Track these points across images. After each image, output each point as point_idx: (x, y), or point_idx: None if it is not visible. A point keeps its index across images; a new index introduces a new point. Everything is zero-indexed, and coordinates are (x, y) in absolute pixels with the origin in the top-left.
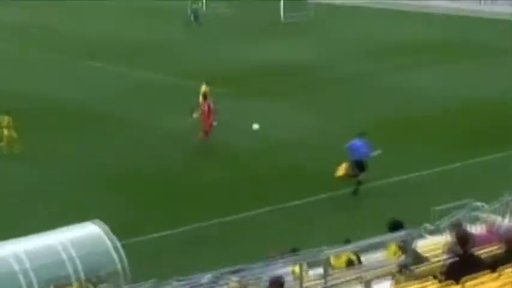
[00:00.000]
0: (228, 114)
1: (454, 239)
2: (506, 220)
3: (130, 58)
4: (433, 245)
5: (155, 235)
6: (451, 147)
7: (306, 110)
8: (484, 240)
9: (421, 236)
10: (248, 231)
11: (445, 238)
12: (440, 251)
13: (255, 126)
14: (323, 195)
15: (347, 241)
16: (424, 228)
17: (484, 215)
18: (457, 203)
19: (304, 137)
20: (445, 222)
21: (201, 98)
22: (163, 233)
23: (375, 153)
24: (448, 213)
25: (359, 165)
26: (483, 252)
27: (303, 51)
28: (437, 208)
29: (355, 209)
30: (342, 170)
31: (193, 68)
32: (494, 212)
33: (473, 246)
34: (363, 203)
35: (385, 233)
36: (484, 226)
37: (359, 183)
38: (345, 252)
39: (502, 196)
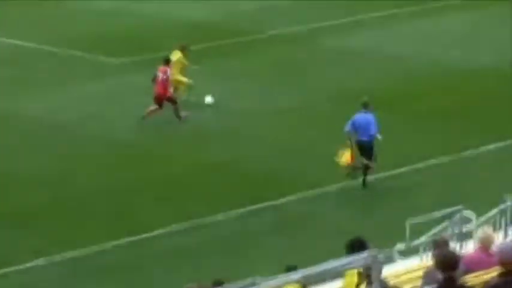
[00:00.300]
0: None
1: (435, 262)
2: (501, 234)
3: None
4: (407, 271)
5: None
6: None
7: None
8: (477, 263)
9: (391, 259)
10: (157, 256)
11: (423, 261)
12: (416, 277)
13: (208, 99)
14: (266, 203)
15: (290, 268)
16: (396, 249)
17: (477, 228)
18: (440, 212)
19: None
20: (425, 239)
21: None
22: (39, 263)
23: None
24: (429, 226)
25: (366, 150)
26: (474, 278)
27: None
28: (413, 221)
29: (300, 226)
30: (345, 157)
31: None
32: (489, 222)
33: (460, 271)
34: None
35: (343, 256)
36: (477, 243)
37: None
38: (288, 285)
39: (502, 201)
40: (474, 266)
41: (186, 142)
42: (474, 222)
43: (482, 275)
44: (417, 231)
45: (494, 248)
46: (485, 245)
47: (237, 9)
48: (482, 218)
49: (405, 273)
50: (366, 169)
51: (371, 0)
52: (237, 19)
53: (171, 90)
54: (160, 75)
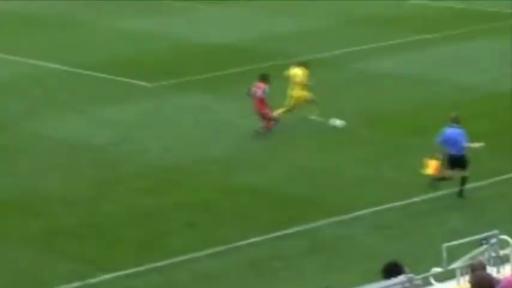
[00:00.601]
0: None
1: (471, 285)
2: None
3: None
4: None
5: None
6: None
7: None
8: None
9: (427, 284)
10: (188, 281)
11: (460, 284)
12: None
13: (338, 122)
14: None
15: None
16: (432, 273)
17: None
18: (478, 236)
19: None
20: (461, 263)
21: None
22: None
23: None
24: (465, 250)
25: (458, 163)
26: None
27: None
28: (449, 244)
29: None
30: (432, 167)
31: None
32: None
33: None
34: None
35: (377, 280)
36: None
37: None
38: None
39: None
40: None
41: (218, 165)
42: (511, 246)
43: None
44: (452, 256)
45: None
46: None
47: (265, 33)
48: None
49: None
50: (463, 180)
51: (397, 26)
52: (266, 43)
53: (267, 106)
54: (256, 91)
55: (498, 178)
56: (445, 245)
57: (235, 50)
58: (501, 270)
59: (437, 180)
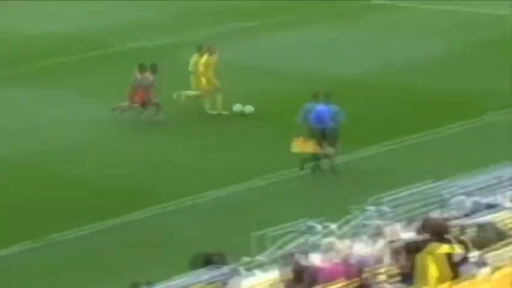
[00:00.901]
0: None
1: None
2: (358, 245)
3: None
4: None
5: None
6: None
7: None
8: (329, 275)
9: (236, 274)
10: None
11: (272, 275)
12: None
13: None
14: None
15: (134, 285)
16: (242, 264)
17: (327, 240)
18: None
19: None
20: (271, 252)
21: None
22: None
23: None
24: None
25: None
26: None
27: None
28: (257, 233)
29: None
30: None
31: None
32: (342, 235)
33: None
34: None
35: (187, 272)
36: (328, 255)
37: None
38: None
39: (351, 213)
40: (327, 277)
41: (37, 158)
42: (321, 232)
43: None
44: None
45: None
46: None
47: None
48: (329, 229)
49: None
50: (325, 156)
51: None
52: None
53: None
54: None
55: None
56: (255, 234)
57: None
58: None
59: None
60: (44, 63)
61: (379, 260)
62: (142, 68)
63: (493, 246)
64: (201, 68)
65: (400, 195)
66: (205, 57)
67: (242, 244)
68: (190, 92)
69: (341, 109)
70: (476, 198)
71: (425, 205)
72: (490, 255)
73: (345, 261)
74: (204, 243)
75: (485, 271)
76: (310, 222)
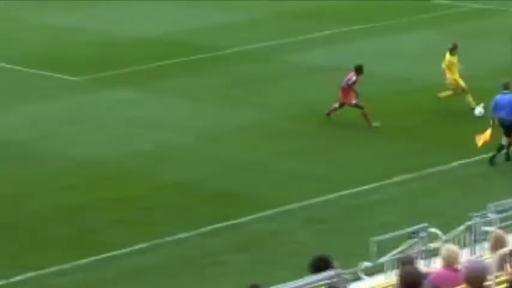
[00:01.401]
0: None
1: (398, 280)
2: (467, 251)
3: None
4: None
5: None
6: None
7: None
8: (443, 280)
9: (356, 278)
10: (117, 277)
11: (390, 279)
12: None
13: (479, 110)
14: (228, 222)
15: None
16: (361, 267)
17: (442, 246)
18: (405, 229)
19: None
20: (390, 257)
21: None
22: None
23: None
24: (396, 244)
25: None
26: None
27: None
28: (377, 238)
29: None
30: (484, 137)
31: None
32: (453, 240)
33: None
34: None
35: (306, 275)
36: (442, 260)
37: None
38: None
39: (468, 218)
40: (441, 283)
41: (146, 161)
42: (441, 239)
43: None
44: (383, 249)
45: (460, 265)
46: (449, 261)
47: (196, 25)
48: (449, 235)
49: None
50: (509, 145)
51: (332, 17)
52: (197, 36)
53: (352, 96)
54: (344, 80)
55: (426, 171)
56: (374, 238)
57: (163, 43)
58: (431, 263)
59: (497, 152)
60: (144, 66)
61: (499, 267)
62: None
63: None
64: (444, 66)
65: None
66: (447, 56)
67: (354, 248)
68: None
69: None
70: None
71: None
72: None
73: (455, 268)
74: (319, 246)
75: None
76: (430, 228)
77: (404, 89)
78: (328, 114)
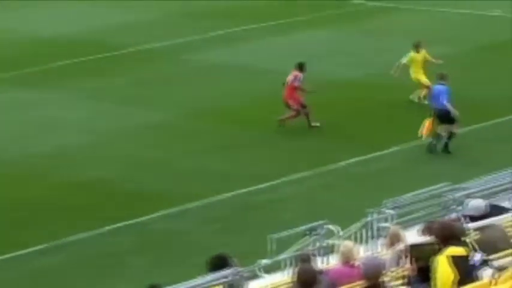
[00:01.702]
0: None
1: (295, 278)
2: (364, 247)
3: None
4: (271, 286)
5: None
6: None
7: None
8: (341, 276)
9: (254, 276)
10: (17, 278)
11: (287, 276)
12: None
13: None
14: (130, 221)
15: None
16: (260, 265)
17: (340, 243)
18: (303, 226)
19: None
20: (288, 254)
21: None
22: None
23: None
24: (294, 241)
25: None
26: None
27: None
28: (275, 236)
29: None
30: (426, 128)
31: None
32: (351, 237)
33: (324, 285)
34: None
35: (205, 273)
36: (339, 257)
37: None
38: None
39: (365, 215)
40: (338, 279)
41: (48, 161)
42: (338, 236)
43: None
44: (281, 247)
45: (357, 261)
46: (346, 258)
47: (98, 25)
48: (346, 232)
49: None
50: (450, 135)
51: (232, 13)
52: (99, 35)
53: (297, 95)
54: (289, 79)
55: (324, 168)
56: (272, 236)
57: (65, 43)
58: (329, 260)
59: (435, 142)
60: (46, 65)
61: (393, 263)
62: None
63: (497, 248)
64: (405, 63)
65: (416, 198)
66: (411, 54)
67: (253, 246)
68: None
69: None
70: (491, 201)
71: (443, 208)
72: (495, 257)
73: (352, 264)
74: (218, 245)
75: (491, 273)
76: (327, 225)
77: (305, 86)
78: (282, 120)
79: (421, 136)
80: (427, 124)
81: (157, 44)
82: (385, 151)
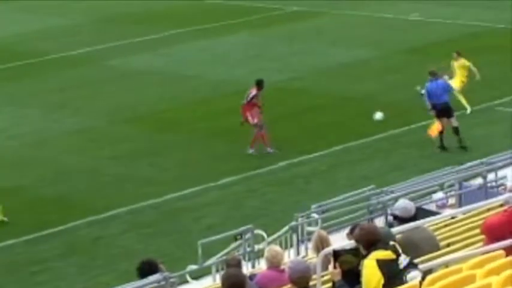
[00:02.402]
0: None
1: (221, 283)
2: (292, 251)
3: None
4: None
5: None
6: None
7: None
8: (269, 281)
9: (183, 281)
10: None
11: (216, 281)
12: None
13: (379, 115)
14: (55, 228)
15: None
16: (188, 270)
17: (267, 247)
18: (233, 231)
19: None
20: (216, 259)
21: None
22: None
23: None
24: (222, 246)
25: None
26: None
27: None
28: (203, 241)
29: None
30: (434, 129)
31: None
32: (278, 241)
33: None
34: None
35: (135, 279)
36: (266, 261)
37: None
38: None
39: (292, 219)
40: (266, 284)
41: None
42: (266, 240)
43: None
44: (209, 252)
45: (284, 265)
46: (273, 262)
47: (18, 31)
48: (274, 236)
49: None
50: (456, 130)
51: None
52: (18, 42)
53: (254, 114)
54: (247, 96)
55: (250, 173)
56: (200, 241)
57: None
58: (256, 264)
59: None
60: None
61: (320, 267)
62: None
63: (423, 251)
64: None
65: (342, 201)
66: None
67: (181, 251)
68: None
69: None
70: (416, 204)
71: (369, 211)
72: (422, 260)
73: (280, 268)
74: (145, 250)
75: (418, 276)
76: (255, 229)
77: (228, 91)
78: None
79: (431, 136)
80: (436, 124)
81: (80, 50)
82: (311, 155)
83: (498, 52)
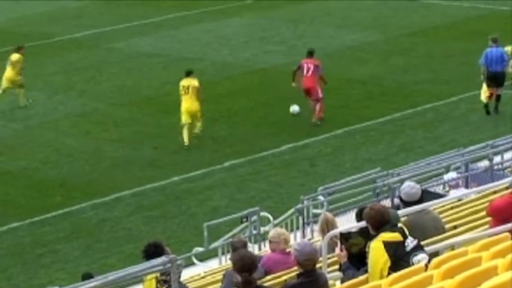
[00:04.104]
0: None
1: (232, 264)
2: (298, 234)
3: None
4: (206, 274)
5: None
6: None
7: None
8: (275, 263)
9: (189, 264)
10: None
11: (222, 263)
12: (216, 280)
13: (295, 108)
14: (60, 211)
15: (85, 276)
16: (194, 252)
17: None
18: (237, 214)
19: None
20: (222, 241)
21: None
22: None
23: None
24: (228, 228)
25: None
26: (273, 278)
27: None
28: (209, 223)
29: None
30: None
31: None
32: (284, 224)
33: (259, 272)
34: None
35: (141, 261)
36: (272, 244)
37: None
38: None
39: (298, 202)
40: (272, 266)
41: None
42: (272, 222)
43: (282, 275)
44: (215, 234)
45: (290, 247)
46: (277, 245)
47: (23, 14)
48: (280, 219)
49: (204, 277)
50: (498, 97)
51: (158, 1)
52: (24, 25)
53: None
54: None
55: (256, 155)
56: (206, 224)
57: None
58: (262, 247)
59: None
60: None
61: (327, 250)
62: None
63: (430, 233)
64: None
65: (349, 184)
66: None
67: (186, 234)
68: None
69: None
70: (423, 186)
71: (375, 194)
72: (428, 242)
73: (286, 250)
74: (151, 233)
75: (425, 258)
76: (261, 212)
77: (232, 73)
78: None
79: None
80: (486, 89)
81: (85, 32)
82: (316, 137)
83: (503, 35)
